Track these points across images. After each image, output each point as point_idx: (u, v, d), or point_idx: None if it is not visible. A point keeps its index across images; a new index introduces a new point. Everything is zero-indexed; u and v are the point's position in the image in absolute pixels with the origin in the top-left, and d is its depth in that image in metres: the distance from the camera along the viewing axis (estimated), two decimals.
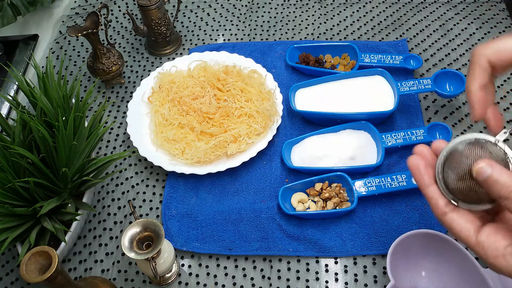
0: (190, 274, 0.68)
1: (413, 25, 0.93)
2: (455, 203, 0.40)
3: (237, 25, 0.98)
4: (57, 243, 0.66)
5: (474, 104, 0.43)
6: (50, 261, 0.48)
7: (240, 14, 1.00)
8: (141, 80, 0.87)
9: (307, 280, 0.66)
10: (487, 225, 0.39)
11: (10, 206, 0.59)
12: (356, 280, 0.65)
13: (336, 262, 0.67)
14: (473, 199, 0.40)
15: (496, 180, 0.36)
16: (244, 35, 0.96)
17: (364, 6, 0.98)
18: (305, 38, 0.94)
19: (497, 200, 0.37)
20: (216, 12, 1.00)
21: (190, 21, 1.00)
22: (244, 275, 0.67)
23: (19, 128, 0.64)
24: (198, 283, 0.67)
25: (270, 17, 0.98)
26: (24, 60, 0.96)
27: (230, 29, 0.97)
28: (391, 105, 0.76)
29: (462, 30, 0.91)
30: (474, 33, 0.90)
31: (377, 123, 0.76)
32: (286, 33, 0.95)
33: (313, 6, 0.99)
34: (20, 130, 0.64)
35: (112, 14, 1.02)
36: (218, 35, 0.97)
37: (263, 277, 0.67)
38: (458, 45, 0.89)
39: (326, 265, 0.67)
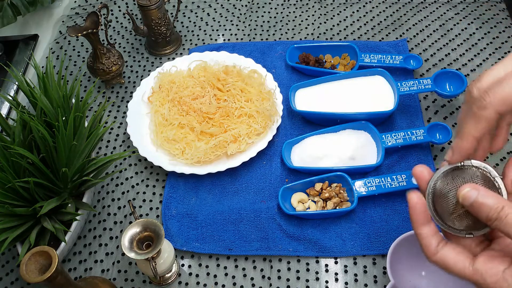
0: (190, 274, 0.68)
1: (413, 25, 0.93)
2: (471, 235, 0.39)
3: (237, 25, 0.98)
4: (57, 243, 0.66)
5: (456, 150, 0.40)
6: (50, 261, 0.48)
7: (240, 14, 1.00)
8: (141, 80, 0.87)
9: (307, 280, 0.66)
10: (480, 254, 0.38)
11: (10, 206, 0.59)
12: (356, 280, 0.65)
13: (336, 262, 0.67)
14: (476, 226, 0.39)
15: (483, 203, 0.36)
16: (244, 35, 0.96)
17: (364, 6, 0.98)
18: (305, 38, 0.94)
19: (487, 223, 0.36)
20: (216, 12, 1.00)
21: (190, 21, 1.00)
22: (244, 275, 0.67)
23: (19, 128, 0.64)
24: (198, 283, 0.67)
25: (270, 17, 0.98)
26: (24, 60, 0.96)
27: (230, 29, 0.97)
28: (391, 105, 0.76)
29: (462, 30, 0.91)
30: (474, 33, 0.90)
31: (377, 123, 0.76)
32: (286, 33, 0.95)
33: (313, 6, 0.99)
34: (20, 130, 0.64)
35: (112, 14, 1.03)
36: (218, 35, 0.97)
37: (263, 277, 0.67)
38: (458, 45, 0.89)
39: (326, 265, 0.67)
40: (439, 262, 0.39)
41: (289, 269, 0.67)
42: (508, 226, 0.34)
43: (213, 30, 0.98)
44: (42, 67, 0.94)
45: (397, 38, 0.91)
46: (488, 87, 0.38)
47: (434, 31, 0.92)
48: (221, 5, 1.01)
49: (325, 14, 0.97)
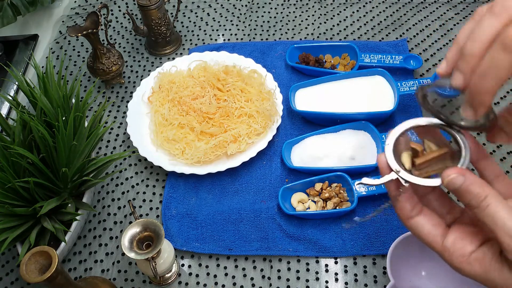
0: (190, 274, 0.68)
1: (413, 25, 0.93)
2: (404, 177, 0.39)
3: (237, 25, 0.98)
4: (57, 243, 0.66)
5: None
6: (50, 261, 0.48)
7: (240, 14, 1.00)
8: (141, 80, 0.87)
9: (307, 280, 0.66)
10: (453, 228, 0.38)
11: (10, 206, 0.59)
12: (356, 280, 0.65)
13: (336, 262, 0.67)
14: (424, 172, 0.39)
15: (467, 191, 0.36)
16: (244, 35, 0.96)
17: (364, 6, 0.98)
18: (305, 38, 0.94)
19: (467, 207, 0.37)
20: (216, 12, 1.00)
21: (190, 21, 1.00)
22: (244, 275, 0.67)
23: (19, 128, 0.64)
24: (198, 283, 0.67)
25: (270, 17, 0.98)
26: (24, 60, 0.96)
27: (230, 29, 0.97)
28: (391, 105, 0.76)
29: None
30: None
31: (377, 123, 0.76)
32: (286, 33, 0.95)
33: (313, 6, 0.99)
34: (20, 130, 0.64)
35: (112, 14, 1.03)
36: (218, 35, 0.97)
37: (263, 277, 0.67)
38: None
39: (326, 265, 0.67)
40: (413, 229, 0.40)
41: (289, 269, 0.67)
42: (486, 217, 0.35)
43: (213, 30, 0.98)
44: (42, 67, 0.94)
45: (397, 38, 0.91)
46: None
47: (434, 31, 0.92)
48: (221, 5, 1.01)
49: (325, 14, 0.97)
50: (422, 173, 0.39)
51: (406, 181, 0.39)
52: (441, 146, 0.40)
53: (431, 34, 0.91)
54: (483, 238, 0.37)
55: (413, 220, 0.39)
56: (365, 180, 0.41)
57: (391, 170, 0.39)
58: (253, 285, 0.66)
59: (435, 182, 0.38)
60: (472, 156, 0.39)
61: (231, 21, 0.99)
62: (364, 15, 0.96)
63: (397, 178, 0.39)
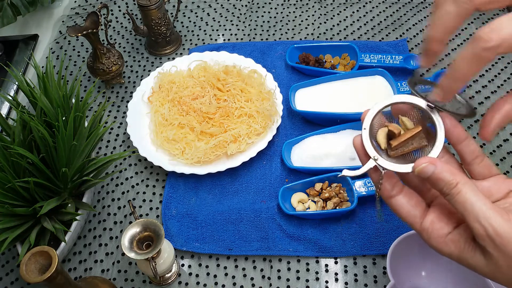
0: (190, 274, 0.68)
1: (413, 25, 0.93)
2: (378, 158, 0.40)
3: (237, 25, 0.98)
4: (57, 243, 0.66)
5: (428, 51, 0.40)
6: (50, 261, 0.48)
7: (240, 14, 1.00)
8: (141, 80, 0.87)
9: (307, 280, 0.66)
10: (431, 209, 0.39)
11: (10, 206, 0.59)
12: (356, 280, 0.65)
13: (336, 262, 0.67)
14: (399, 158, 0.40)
15: (439, 178, 0.36)
16: (244, 35, 0.96)
17: (364, 6, 0.98)
18: (305, 38, 0.94)
19: (439, 193, 0.37)
20: (216, 12, 1.00)
21: (190, 21, 1.00)
22: (244, 275, 0.67)
23: (19, 128, 0.64)
24: (198, 283, 0.67)
25: (270, 17, 0.98)
26: (24, 60, 0.96)
27: (230, 29, 0.97)
28: None
29: (462, 30, 0.91)
30: (474, 33, 0.90)
31: None
32: (286, 33, 0.95)
33: (313, 6, 0.99)
34: (20, 130, 0.64)
35: (112, 14, 1.02)
36: (218, 35, 0.97)
37: (263, 277, 0.67)
38: (458, 45, 0.89)
39: (326, 265, 0.67)
40: (393, 207, 0.40)
41: (289, 269, 0.67)
42: (457, 204, 0.36)
43: (213, 30, 0.98)
44: (42, 67, 0.94)
45: (397, 38, 0.91)
46: None
47: None
48: (221, 5, 1.01)
49: (325, 14, 0.97)
50: (398, 152, 0.40)
51: (384, 168, 0.39)
52: (416, 124, 0.41)
53: None
54: (459, 219, 0.38)
55: (393, 199, 0.40)
56: (346, 172, 0.42)
57: (369, 157, 0.40)
58: (253, 285, 0.66)
59: (410, 168, 0.39)
60: (452, 138, 0.40)
61: (231, 21, 0.99)
62: (364, 15, 0.96)
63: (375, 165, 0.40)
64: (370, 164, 0.40)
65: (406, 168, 0.39)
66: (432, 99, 0.39)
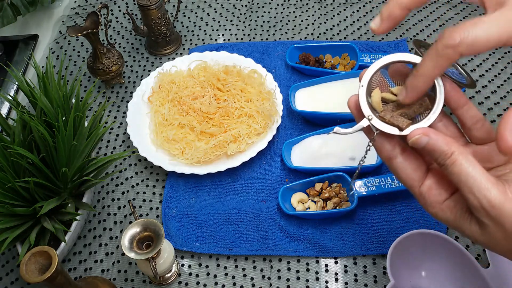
0: (190, 274, 0.68)
1: (413, 25, 0.93)
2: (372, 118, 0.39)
3: (237, 25, 0.98)
4: (57, 243, 0.66)
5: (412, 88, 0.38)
6: (50, 261, 0.48)
7: (240, 14, 1.00)
8: (141, 80, 0.87)
9: (307, 280, 0.66)
10: (430, 173, 0.39)
11: (10, 206, 0.59)
12: (356, 280, 0.65)
13: (336, 262, 0.67)
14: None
15: (433, 149, 0.36)
16: (244, 35, 0.96)
17: (364, 6, 0.98)
18: (305, 38, 0.94)
19: (435, 162, 0.37)
20: (216, 12, 1.00)
21: (190, 21, 1.00)
22: (244, 275, 0.67)
23: (19, 128, 0.64)
24: (198, 283, 0.67)
25: (270, 17, 0.98)
26: (24, 60, 0.96)
27: (230, 29, 0.97)
28: None
29: None
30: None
31: None
32: (286, 33, 0.95)
33: (313, 6, 0.99)
34: (20, 130, 0.64)
35: (112, 14, 1.03)
36: (218, 35, 0.97)
37: (263, 277, 0.67)
38: None
39: (326, 265, 0.67)
40: (393, 169, 0.40)
41: (289, 269, 0.67)
42: (452, 174, 0.35)
43: (213, 30, 0.98)
44: (42, 67, 0.94)
45: (397, 38, 0.91)
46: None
47: (434, 31, 0.92)
48: (221, 5, 1.01)
49: (325, 14, 0.97)
50: (394, 115, 0.39)
51: (377, 129, 0.39)
52: None
53: (431, 34, 0.91)
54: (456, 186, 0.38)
55: (394, 161, 0.40)
56: (337, 129, 0.41)
57: (363, 116, 0.39)
58: (253, 285, 0.66)
59: (404, 131, 0.38)
60: (452, 104, 0.40)
61: (231, 21, 0.99)
62: (364, 15, 0.96)
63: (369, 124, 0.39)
64: (363, 123, 0.39)
65: (401, 131, 0.38)
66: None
